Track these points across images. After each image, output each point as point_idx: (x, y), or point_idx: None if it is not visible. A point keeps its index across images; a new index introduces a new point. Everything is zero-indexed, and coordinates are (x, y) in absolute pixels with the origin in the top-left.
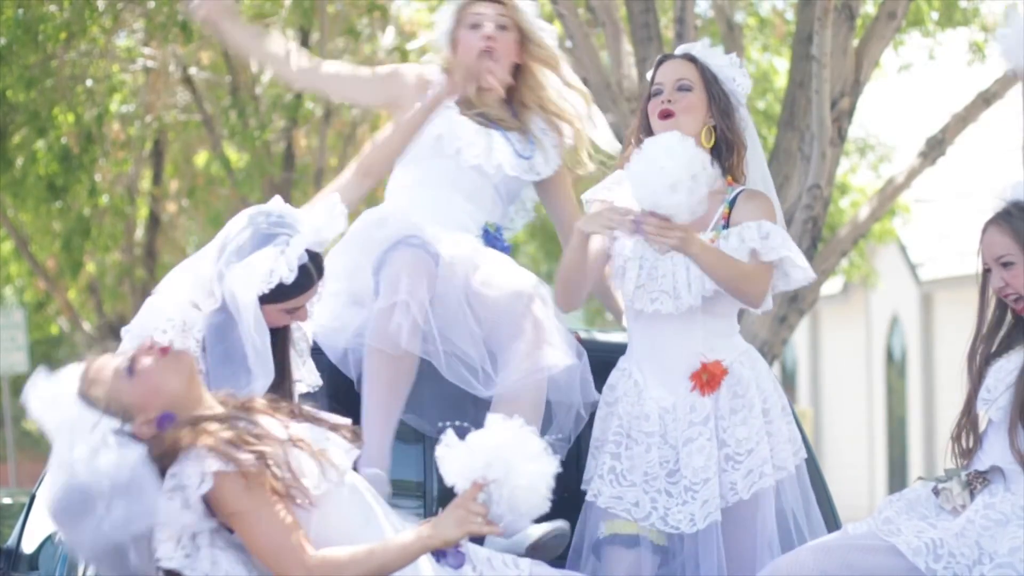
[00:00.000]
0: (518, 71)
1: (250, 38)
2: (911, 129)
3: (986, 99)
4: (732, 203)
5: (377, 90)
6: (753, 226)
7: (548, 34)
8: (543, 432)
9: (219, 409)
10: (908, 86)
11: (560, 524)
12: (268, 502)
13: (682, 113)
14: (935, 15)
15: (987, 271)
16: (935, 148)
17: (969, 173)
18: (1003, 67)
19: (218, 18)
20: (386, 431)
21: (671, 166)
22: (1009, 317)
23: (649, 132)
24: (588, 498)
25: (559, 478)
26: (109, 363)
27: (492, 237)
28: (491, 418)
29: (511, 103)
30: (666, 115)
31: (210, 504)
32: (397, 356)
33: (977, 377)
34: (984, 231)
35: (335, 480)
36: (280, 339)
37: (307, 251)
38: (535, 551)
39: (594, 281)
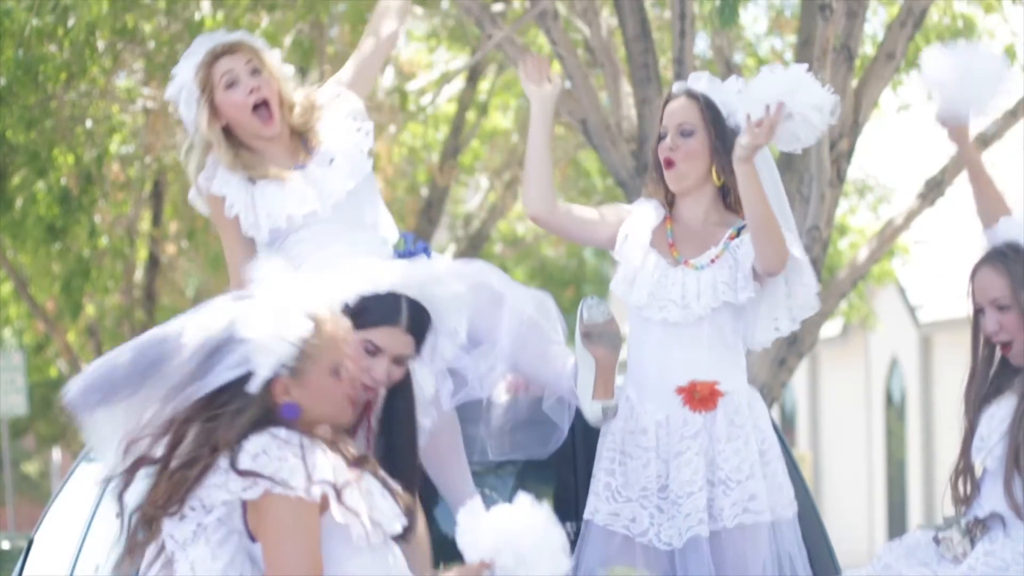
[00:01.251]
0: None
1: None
2: (910, 170)
3: (984, 140)
4: (739, 230)
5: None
6: None
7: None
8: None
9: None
10: (907, 127)
11: (588, 300)
12: (307, 536)
13: (682, 161)
14: None
15: (979, 312)
16: (934, 190)
17: (968, 215)
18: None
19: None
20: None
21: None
22: (998, 356)
23: (662, 175)
24: (585, 516)
25: None
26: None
27: (407, 252)
28: (520, 499)
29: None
30: (668, 164)
31: (246, 508)
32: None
33: (972, 420)
34: (977, 271)
35: (376, 540)
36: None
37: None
38: None
39: (574, 230)
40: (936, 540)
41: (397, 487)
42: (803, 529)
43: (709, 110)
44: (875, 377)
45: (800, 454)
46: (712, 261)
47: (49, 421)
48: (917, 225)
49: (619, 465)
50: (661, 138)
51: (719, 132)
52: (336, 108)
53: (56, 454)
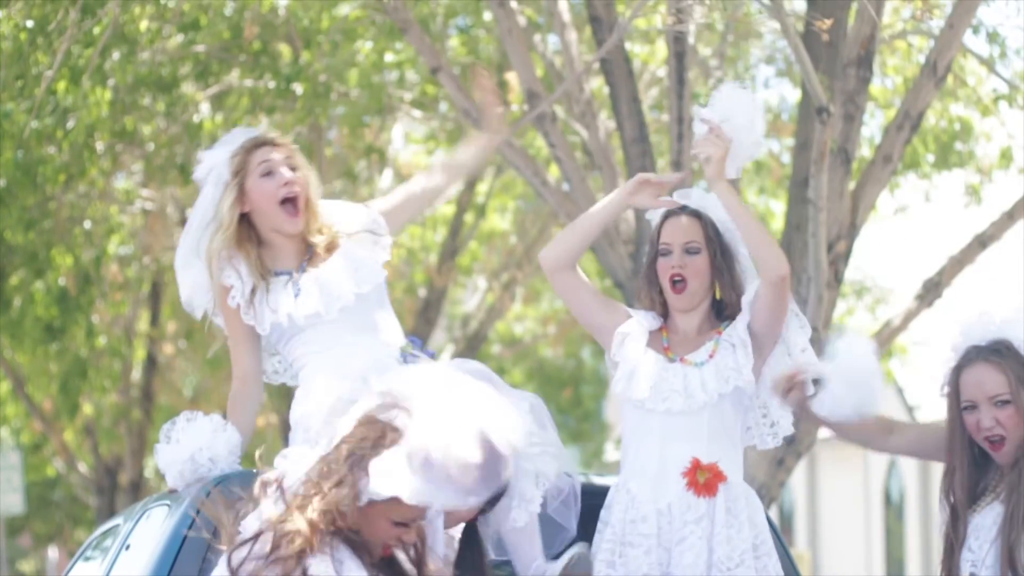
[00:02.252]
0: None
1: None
2: (908, 271)
3: (982, 242)
4: (725, 326)
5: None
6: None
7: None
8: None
9: None
10: (904, 228)
11: (577, 549)
12: None
13: (692, 278)
14: (931, 157)
15: (968, 408)
16: (932, 291)
17: (966, 315)
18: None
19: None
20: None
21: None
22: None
23: (659, 291)
24: None
25: None
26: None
27: (412, 356)
28: None
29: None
30: (679, 281)
31: None
32: None
33: (952, 518)
34: (969, 367)
35: None
36: None
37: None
38: None
39: (581, 295)
40: None
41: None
42: None
43: (711, 227)
44: (874, 477)
45: (799, 553)
46: (711, 356)
47: (45, 520)
48: (915, 326)
49: (619, 556)
50: (661, 254)
51: (722, 249)
52: (359, 221)
53: (52, 552)
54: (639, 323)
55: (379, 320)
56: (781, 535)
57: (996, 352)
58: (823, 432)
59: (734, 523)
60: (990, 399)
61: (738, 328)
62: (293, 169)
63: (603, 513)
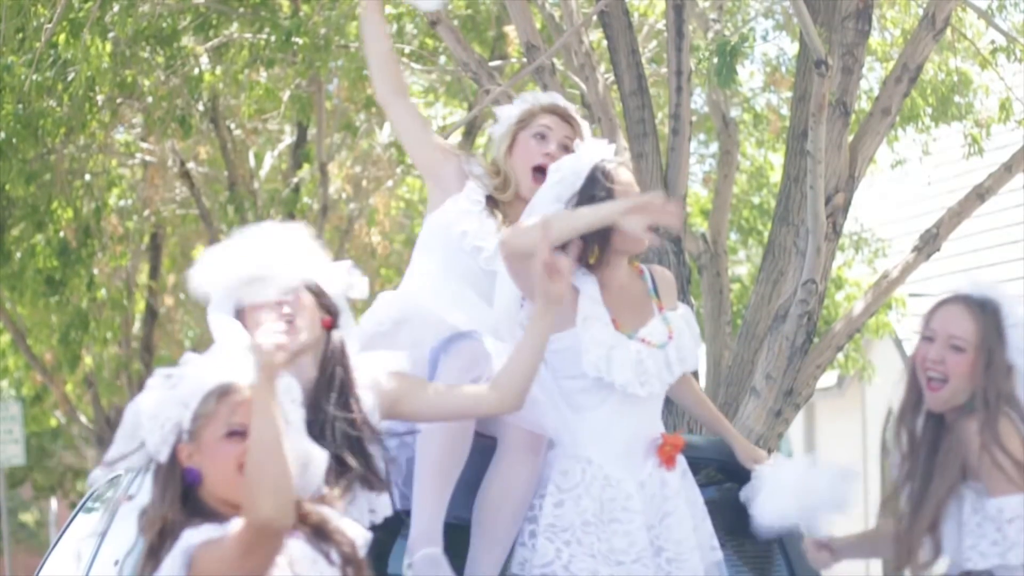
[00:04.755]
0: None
1: (383, 34)
2: (906, 224)
3: (980, 194)
4: (655, 291)
5: (428, 156)
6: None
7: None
8: None
9: None
10: (903, 181)
11: None
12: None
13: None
14: (929, 110)
15: (926, 339)
16: (930, 243)
17: (964, 268)
18: None
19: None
20: (438, 511)
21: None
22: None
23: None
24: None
25: None
26: None
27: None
28: None
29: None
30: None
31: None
32: (452, 438)
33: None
34: (948, 304)
35: None
36: None
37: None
38: None
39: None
40: None
41: (341, 539)
42: None
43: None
44: (871, 427)
45: None
46: (669, 338)
47: (46, 471)
48: (913, 278)
49: (610, 534)
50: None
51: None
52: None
53: (53, 504)
54: (589, 297)
55: (487, 292)
56: None
57: (980, 304)
58: (821, 383)
59: (691, 485)
60: (949, 338)
61: (681, 314)
62: (565, 149)
63: (558, 478)
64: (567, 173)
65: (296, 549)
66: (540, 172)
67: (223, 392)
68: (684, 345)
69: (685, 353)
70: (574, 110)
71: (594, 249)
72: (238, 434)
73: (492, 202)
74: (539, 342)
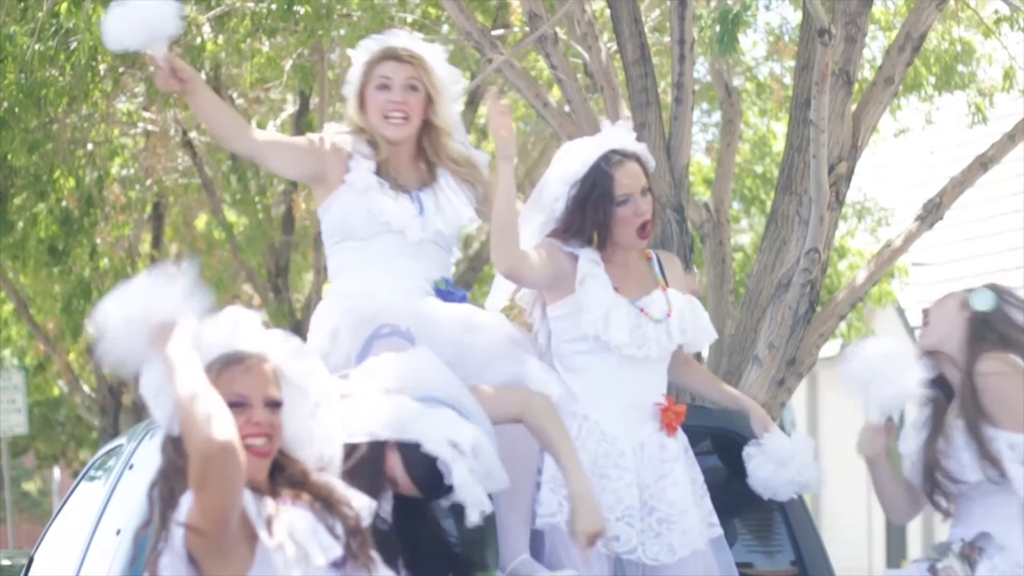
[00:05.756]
0: (425, 127)
1: (212, 104)
2: (909, 193)
3: (983, 163)
4: (663, 276)
5: (299, 163)
6: None
7: (453, 90)
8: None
9: None
10: (906, 150)
11: (570, 573)
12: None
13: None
14: (933, 79)
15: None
16: (932, 212)
17: (967, 237)
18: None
19: (180, 86)
20: (523, 520)
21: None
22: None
23: (609, 232)
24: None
25: None
26: None
27: (446, 292)
28: None
29: (419, 158)
30: (645, 228)
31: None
32: (515, 451)
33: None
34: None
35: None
36: None
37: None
38: None
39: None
40: (933, 571)
41: (347, 510)
42: (802, 550)
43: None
44: None
45: None
46: (668, 316)
47: (49, 440)
48: (916, 247)
49: (600, 490)
50: (620, 203)
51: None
52: (482, 171)
53: (56, 473)
54: (588, 259)
55: (436, 255)
56: None
57: (984, 321)
58: (824, 352)
59: (690, 457)
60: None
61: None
62: (412, 89)
63: None
64: (574, 159)
65: (297, 518)
66: (390, 120)
67: (224, 364)
68: (685, 320)
69: (685, 326)
70: (412, 47)
71: (595, 238)
72: (238, 405)
73: (383, 169)
74: (506, 193)
